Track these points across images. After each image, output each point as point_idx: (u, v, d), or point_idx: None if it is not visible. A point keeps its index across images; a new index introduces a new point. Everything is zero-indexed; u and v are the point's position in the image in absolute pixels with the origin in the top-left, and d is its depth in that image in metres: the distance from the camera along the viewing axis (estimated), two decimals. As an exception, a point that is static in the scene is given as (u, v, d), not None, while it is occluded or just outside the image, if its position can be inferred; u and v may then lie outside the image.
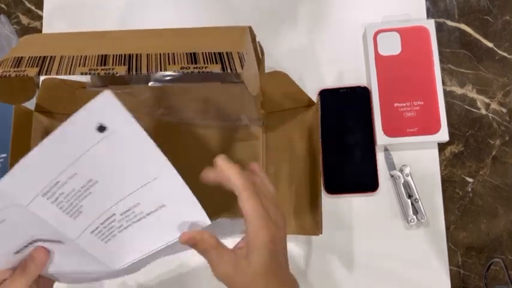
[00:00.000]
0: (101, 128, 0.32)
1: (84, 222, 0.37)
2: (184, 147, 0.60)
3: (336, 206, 0.59)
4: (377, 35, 0.60)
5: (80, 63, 0.38)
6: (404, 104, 0.59)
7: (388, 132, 0.58)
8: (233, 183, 0.39)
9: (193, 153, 0.59)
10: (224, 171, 0.40)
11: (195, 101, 0.58)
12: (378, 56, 0.60)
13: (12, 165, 0.51)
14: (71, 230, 0.37)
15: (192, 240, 0.39)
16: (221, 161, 0.40)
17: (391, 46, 0.60)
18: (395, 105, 0.59)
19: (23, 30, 0.70)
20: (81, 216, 0.37)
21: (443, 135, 0.57)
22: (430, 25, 0.60)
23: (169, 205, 0.38)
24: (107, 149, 0.33)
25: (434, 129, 0.58)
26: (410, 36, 0.60)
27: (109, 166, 0.35)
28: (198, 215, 0.39)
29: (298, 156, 0.57)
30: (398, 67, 0.59)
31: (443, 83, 0.61)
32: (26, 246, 0.38)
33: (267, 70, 0.60)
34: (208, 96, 0.56)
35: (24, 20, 0.71)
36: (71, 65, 0.38)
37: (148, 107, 0.59)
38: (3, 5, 0.71)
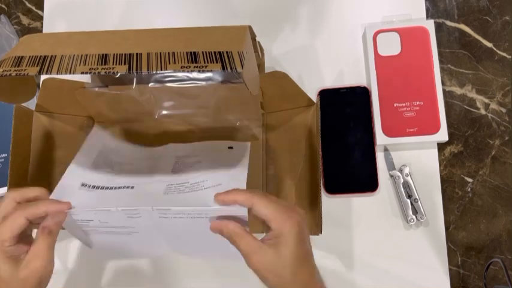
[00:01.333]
0: None
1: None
2: None
3: (336, 206, 0.60)
4: (377, 35, 0.60)
5: (80, 63, 0.39)
6: (404, 104, 0.59)
7: (388, 132, 0.58)
8: (240, 201, 0.42)
9: None
10: (229, 197, 0.43)
11: (195, 102, 0.58)
12: (377, 56, 0.60)
13: (12, 165, 0.51)
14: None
15: (218, 226, 0.43)
16: (220, 197, 0.43)
17: (391, 46, 0.60)
18: (395, 105, 0.59)
19: (23, 31, 0.70)
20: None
21: (442, 135, 0.57)
22: (430, 25, 0.60)
23: (224, 184, 0.46)
24: None
25: (433, 129, 0.58)
26: (410, 36, 0.60)
27: None
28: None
29: (298, 157, 0.57)
30: (398, 67, 0.59)
31: (443, 83, 0.61)
32: None
33: (267, 70, 0.60)
34: (208, 97, 0.56)
35: (25, 20, 0.71)
36: (72, 64, 0.39)
37: (148, 108, 0.59)
38: (3, 5, 0.71)
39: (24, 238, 0.44)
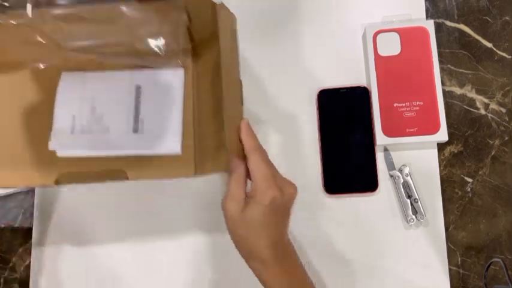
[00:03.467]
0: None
1: None
2: None
3: (336, 206, 0.60)
4: (376, 36, 0.60)
5: None
6: (404, 104, 0.59)
7: (388, 132, 0.58)
8: (245, 146, 0.46)
9: None
10: (243, 133, 0.47)
11: (107, 27, 0.51)
12: (377, 56, 0.60)
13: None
14: None
15: (229, 159, 0.46)
16: (243, 125, 0.47)
17: (391, 46, 0.60)
18: (395, 105, 0.59)
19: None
20: None
21: (442, 135, 0.57)
22: (430, 26, 0.60)
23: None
24: None
25: (433, 129, 0.58)
26: (409, 36, 0.60)
27: None
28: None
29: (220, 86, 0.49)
30: (397, 67, 0.59)
31: (443, 83, 0.61)
32: None
33: (267, 66, 0.60)
34: (122, 19, 0.49)
35: (25, 20, 0.71)
36: None
37: (53, 39, 0.50)
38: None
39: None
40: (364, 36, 0.62)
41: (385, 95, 0.59)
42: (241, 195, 0.45)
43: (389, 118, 0.58)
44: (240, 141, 0.47)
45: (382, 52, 0.60)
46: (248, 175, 0.47)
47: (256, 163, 0.45)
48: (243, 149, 0.47)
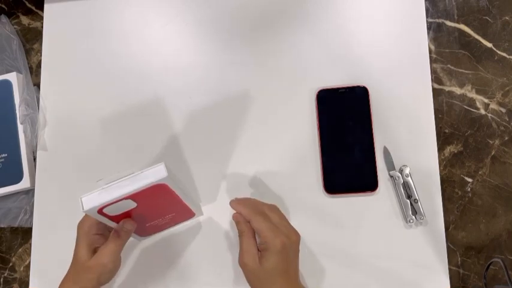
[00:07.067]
0: None
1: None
2: None
3: (336, 206, 0.60)
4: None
5: None
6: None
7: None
8: (244, 213, 0.51)
9: None
10: (235, 209, 0.53)
11: None
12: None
13: None
14: None
15: (238, 218, 0.52)
16: (232, 204, 0.54)
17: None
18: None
19: (23, 31, 0.70)
20: None
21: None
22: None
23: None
24: None
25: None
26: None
27: None
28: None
29: None
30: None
31: (443, 83, 0.61)
32: None
33: (272, 63, 0.60)
34: None
35: (25, 20, 0.71)
36: None
37: None
38: (3, 5, 0.71)
39: (106, 234, 0.52)
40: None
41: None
42: (254, 249, 0.50)
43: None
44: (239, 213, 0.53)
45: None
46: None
47: (258, 222, 0.50)
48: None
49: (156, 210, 0.53)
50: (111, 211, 0.47)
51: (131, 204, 0.47)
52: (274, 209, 0.54)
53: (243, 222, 0.51)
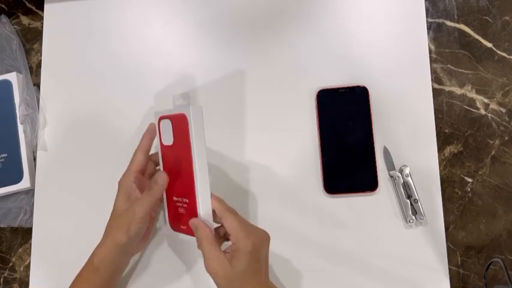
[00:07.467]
0: None
1: None
2: None
3: (336, 206, 0.60)
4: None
5: None
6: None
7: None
8: (217, 210, 0.50)
9: None
10: (213, 201, 0.50)
11: None
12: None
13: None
14: None
15: (195, 224, 0.49)
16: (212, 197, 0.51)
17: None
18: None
19: (23, 31, 0.70)
20: None
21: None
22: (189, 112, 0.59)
23: None
24: None
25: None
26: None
27: None
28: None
29: None
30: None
31: (443, 83, 0.61)
32: None
33: (264, 67, 0.60)
34: None
35: (25, 20, 0.71)
36: None
37: None
38: (3, 5, 0.71)
39: (143, 184, 0.55)
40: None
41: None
42: (221, 254, 0.47)
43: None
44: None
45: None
46: (220, 237, 0.51)
47: (231, 220, 0.48)
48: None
49: (179, 172, 0.52)
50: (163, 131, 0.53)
51: (170, 139, 0.52)
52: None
53: (203, 227, 0.49)
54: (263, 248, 0.49)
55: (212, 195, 0.50)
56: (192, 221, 0.50)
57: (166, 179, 0.52)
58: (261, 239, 0.49)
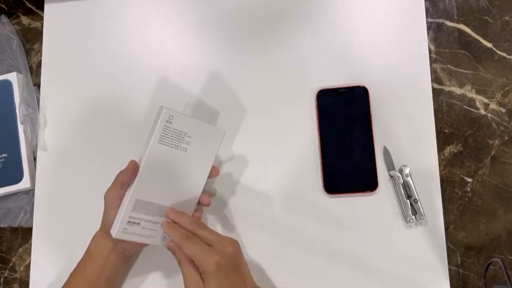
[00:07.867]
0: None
1: None
2: None
3: (336, 206, 0.60)
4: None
5: None
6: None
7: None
8: (175, 242, 0.50)
9: None
10: (168, 234, 0.51)
11: None
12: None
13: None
14: None
15: (172, 246, 0.50)
16: (164, 228, 0.52)
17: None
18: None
19: (23, 31, 0.70)
20: None
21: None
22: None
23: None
24: None
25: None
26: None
27: None
28: None
29: None
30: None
31: (442, 83, 0.61)
32: None
33: (263, 71, 0.60)
34: None
35: (25, 20, 0.71)
36: None
37: None
38: (3, 5, 0.71)
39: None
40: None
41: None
42: (196, 275, 0.49)
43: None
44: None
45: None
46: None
47: (189, 248, 0.49)
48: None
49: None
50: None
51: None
52: (201, 224, 0.53)
53: (178, 250, 0.50)
54: (231, 261, 0.49)
55: (169, 224, 0.52)
56: (168, 244, 0.51)
57: (136, 165, 0.53)
58: (225, 254, 0.49)
